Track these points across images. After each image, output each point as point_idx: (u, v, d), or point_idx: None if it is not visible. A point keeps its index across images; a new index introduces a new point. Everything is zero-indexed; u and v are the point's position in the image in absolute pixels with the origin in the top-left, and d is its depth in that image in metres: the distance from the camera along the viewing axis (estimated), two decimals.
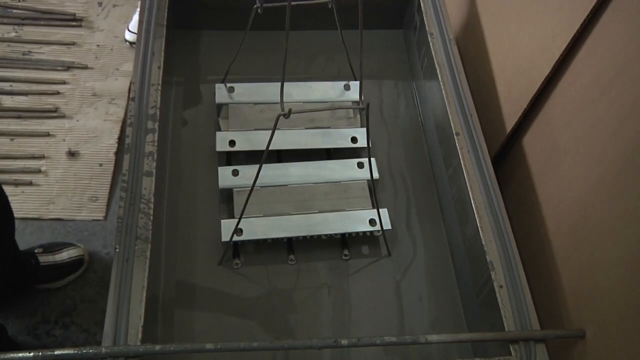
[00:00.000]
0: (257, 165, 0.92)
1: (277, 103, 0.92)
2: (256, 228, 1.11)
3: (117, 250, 0.95)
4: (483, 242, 1.00)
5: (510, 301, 0.95)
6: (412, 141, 1.32)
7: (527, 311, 0.95)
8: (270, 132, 0.87)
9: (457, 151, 1.09)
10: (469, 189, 1.05)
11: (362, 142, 1.23)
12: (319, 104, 1.27)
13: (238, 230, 1.08)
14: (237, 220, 1.04)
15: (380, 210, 1.11)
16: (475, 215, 1.03)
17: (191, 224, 1.17)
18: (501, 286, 0.96)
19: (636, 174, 0.83)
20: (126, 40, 1.85)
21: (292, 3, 0.77)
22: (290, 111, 0.83)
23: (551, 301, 1.03)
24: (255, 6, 0.97)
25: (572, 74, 0.99)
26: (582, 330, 0.92)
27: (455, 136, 1.11)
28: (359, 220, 1.14)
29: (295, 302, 1.11)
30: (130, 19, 1.86)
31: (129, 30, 1.84)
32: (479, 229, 1.01)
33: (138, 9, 1.84)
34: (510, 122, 1.15)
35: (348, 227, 1.13)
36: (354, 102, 1.27)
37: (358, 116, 1.29)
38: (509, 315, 0.94)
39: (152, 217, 0.98)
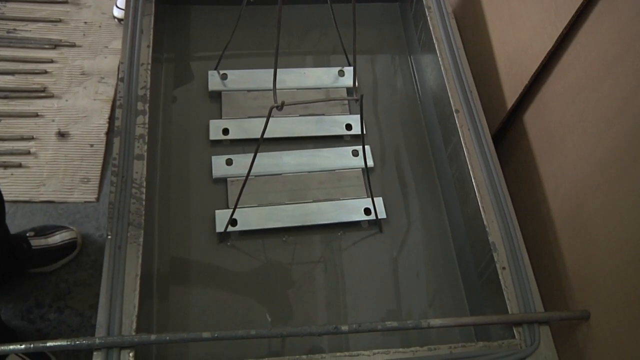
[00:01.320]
0: (251, 154, 0.88)
1: (271, 90, 0.89)
2: (250, 218, 1.08)
3: (109, 237, 0.91)
4: (485, 223, 0.97)
5: (513, 283, 0.93)
6: (409, 118, 1.28)
7: (530, 293, 0.92)
8: (264, 120, 0.84)
9: (457, 129, 1.06)
10: (469, 167, 1.02)
11: (356, 129, 1.20)
12: (312, 91, 1.23)
13: (232, 221, 1.05)
14: (231, 210, 1.00)
15: (375, 199, 1.08)
16: (477, 195, 0.99)
17: (184, 207, 1.13)
18: (504, 268, 0.94)
19: None
20: (114, 17, 1.79)
21: None
22: (283, 103, 0.80)
23: (554, 282, 1.00)
24: None
25: (577, 48, 0.95)
26: (587, 312, 0.90)
27: (454, 113, 1.07)
28: (353, 209, 1.11)
29: (292, 278, 1.08)
30: None
31: (116, 6, 1.78)
32: (480, 208, 0.98)
33: None
34: (510, 98, 1.11)
35: (343, 217, 1.11)
36: (349, 90, 1.24)
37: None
38: (512, 297, 0.92)
39: (144, 202, 0.95)
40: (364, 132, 1.09)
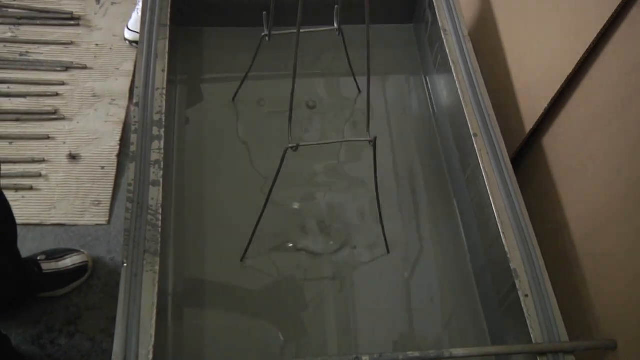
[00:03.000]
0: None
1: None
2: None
3: (124, 265, 0.89)
4: (506, 249, 0.94)
5: (536, 311, 0.90)
6: (424, 139, 1.27)
7: (554, 321, 0.89)
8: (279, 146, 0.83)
9: (476, 153, 1.04)
10: (489, 192, 0.99)
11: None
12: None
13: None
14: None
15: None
16: (497, 221, 0.97)
17: (200, 233, 1.11)
18: (526, 295, 0.91)
19: None
20: (126, 39, 1.78)
21: (301, 31, 0.73)
22: (298, 145, 0.79)
23: (576, 310, 0.97)
24: (263, 34, 0.93)
25: (598, 73, 0.93)
26: (614, 341, 0.87)
27: (473, 137, 1.05)
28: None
29: (305, 296, 1.06)
30: (129, 16, 1.78)
31: (128, 28, 1.77)
32: (501, 234, 0.96)
33: (137, 7, 1.78)
34: (530, 121, 1.09)
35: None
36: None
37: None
38: (535, 326, 0.89)
39: (160, 229, 0.92)
40: (377, 179, 1.07)
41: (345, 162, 1.22)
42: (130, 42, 1.77)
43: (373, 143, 0.87)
